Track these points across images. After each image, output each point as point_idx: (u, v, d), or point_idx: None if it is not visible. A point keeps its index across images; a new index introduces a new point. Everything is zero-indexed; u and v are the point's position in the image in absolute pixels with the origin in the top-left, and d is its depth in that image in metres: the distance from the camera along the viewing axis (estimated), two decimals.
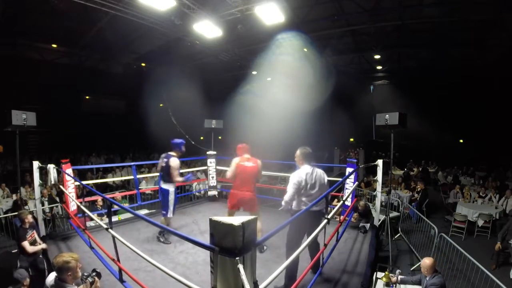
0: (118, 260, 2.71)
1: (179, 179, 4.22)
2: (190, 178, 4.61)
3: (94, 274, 2.39)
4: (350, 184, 4.91)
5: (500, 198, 7.76)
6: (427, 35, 10.19)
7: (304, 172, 3.11)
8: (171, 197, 4.25)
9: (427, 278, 3.30)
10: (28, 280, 3.25)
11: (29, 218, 3.83)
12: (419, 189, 8.51)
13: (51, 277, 2.28)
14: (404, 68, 14.01)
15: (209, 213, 5.64)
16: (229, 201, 4.12)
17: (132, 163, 5.91)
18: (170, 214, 4.27)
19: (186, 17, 7.85)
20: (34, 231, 3.92)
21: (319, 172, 3.22)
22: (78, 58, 13.31)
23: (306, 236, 2.88)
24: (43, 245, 3.89)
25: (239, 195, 3.98)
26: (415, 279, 3.59)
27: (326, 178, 3.27)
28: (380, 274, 3.62)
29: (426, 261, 3.32)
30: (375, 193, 5.84)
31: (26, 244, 3.69)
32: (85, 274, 2.36)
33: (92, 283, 2.32)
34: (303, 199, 3.06)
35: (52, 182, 4.51)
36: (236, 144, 4.23)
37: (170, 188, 4.25)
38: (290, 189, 3.05)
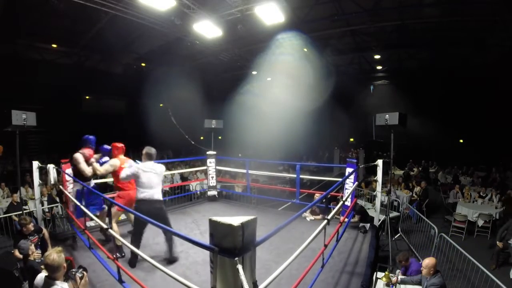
0: (118, 260, 2.71)
1: (90, 169, 4.03)
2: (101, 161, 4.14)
3: (81, 269, 2.43)
4: (350, 184, 4.90)
5: (501, 198, 7.75)
6: (427, 35, 10.19)
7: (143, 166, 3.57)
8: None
9: (427, 278, 3.29)
10: (32, 247, 3.38)
11: (29, 227, 3.72)
12: (417, 190, 8.52)
13: (40, 277, 2.27)
14: (404, 68, 14.02)
15: (209, 213, 5.64)
16: (122, 203, 3.77)
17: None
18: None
19: (186, 17, 7.85)
20: (36, 237, 3.81)
21: (158, 167, 3.66)
22: (78, 58, 13.29)
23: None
24: (35, 255, 3.63)
25: (132, 194, 3.90)
26: (416, 279, 3.58)
27: (163, 170, 3.73)
28: (380, 274, 3.62)
29: (427, 261, 3.29)
30: (375, 193, 5.84)
31: (16, 252, 3.66)
32: (73, 270, 2.41)
33: (81, 278, 2.36)
34: (141, 189, 3.50)
35: (52, 182, 4.50)
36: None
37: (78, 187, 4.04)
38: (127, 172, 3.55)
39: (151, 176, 3.56)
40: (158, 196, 3.60)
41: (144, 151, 3.68)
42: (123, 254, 3.68)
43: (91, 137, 4.20)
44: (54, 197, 7.10)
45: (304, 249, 2.30)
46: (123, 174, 3.59)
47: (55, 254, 2.17)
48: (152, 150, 3.70)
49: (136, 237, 3.49)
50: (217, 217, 1.48)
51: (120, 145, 4.18)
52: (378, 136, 5.44)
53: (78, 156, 4.00)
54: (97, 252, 3.31)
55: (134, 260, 3.49)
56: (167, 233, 3.57)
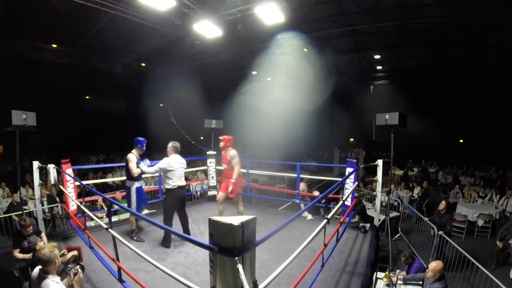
0: (118, 260, 2.70)
1: (138, 170, 4.24)
2: (145, 162, 4.41)
3: (78, 266, 2.45)
4: (350, 184, 4.90)
5: (501, 198, 7.76)
6: (427, 35, 10.18)
7: (172, 159, 4.13)
8: (132, 194, 4.32)
9: (431, 281, 3.22)
10: (41, 243, 3.47)
11: (28, 230, 3.73)
12: (418, 191, 8.51)
13: (35, 271, 2.31)
14: (404, 68, 14.01)
15: (209, 213, 5.63)
16: (238, 186, 4.80)
17: None
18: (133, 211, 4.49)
19: (186, 17, 7.85)
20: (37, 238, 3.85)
21: (182, 159, 4.26)
22: (78, 58, 13.30)
23: (176, 210, 4.21)
24: (26, 256, 3.69)
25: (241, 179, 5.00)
26: (418, 277, 3.56)
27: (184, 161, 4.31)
28: (380, 274, 3.61)
29: (434, 265, 3.16)
30: (375, 193, 5.84)
31: (16, 252, 3.68)
32: (69, 266, 2.43)
33: (75, 274, 2.37)
34: (173, 178, 4.07)
35: (52, 182, 4.50)
36: (236, 144, 4.45)
37: (130, 185, 4.32)
38: (157, 166, 4.11)
39: (180, 167, 4.15)
40: (184, 183, 4.28)
41: (170, 145, 4.18)
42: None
43: (140, 138, 4.45)
44: (54, 197, 7.10)
45: (304, 248, 2.30)
46: (156, 167, 4.14)
47: (47, 249, 2.22)
48: (177, 144, 4.24)
49: (167, 221, 4.08)
50: (217, 216, 1.49)
51: (227, 137, 4.79)
52: (378, 136, 5.44)
53: (129, 155, 4.29)
54: (97, 251, 3.31)
55: (167, 242, 4.08)
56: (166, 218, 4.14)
